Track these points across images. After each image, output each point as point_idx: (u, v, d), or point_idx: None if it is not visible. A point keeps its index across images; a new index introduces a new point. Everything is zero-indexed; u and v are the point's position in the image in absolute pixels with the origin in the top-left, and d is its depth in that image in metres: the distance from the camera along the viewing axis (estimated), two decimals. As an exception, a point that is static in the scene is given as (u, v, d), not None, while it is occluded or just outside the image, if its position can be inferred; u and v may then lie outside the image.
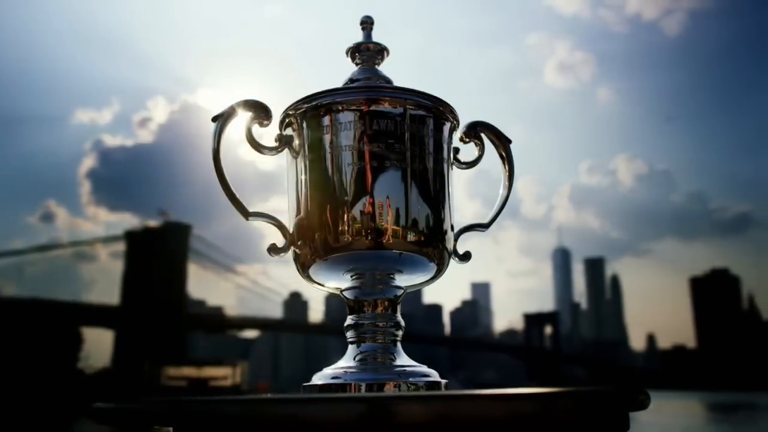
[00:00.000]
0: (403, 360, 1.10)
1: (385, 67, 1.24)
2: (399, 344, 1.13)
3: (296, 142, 1.14)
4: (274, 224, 1.14)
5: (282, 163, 1.20)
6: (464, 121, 1.22)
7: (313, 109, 1.11)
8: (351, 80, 1.20)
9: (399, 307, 1.15)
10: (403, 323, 1.14)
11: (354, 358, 1.10)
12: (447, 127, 1.17)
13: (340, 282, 1.14)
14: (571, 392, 0.79)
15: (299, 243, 1.12)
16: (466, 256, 1.20)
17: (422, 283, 1.16)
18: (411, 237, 1.08)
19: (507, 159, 1.23)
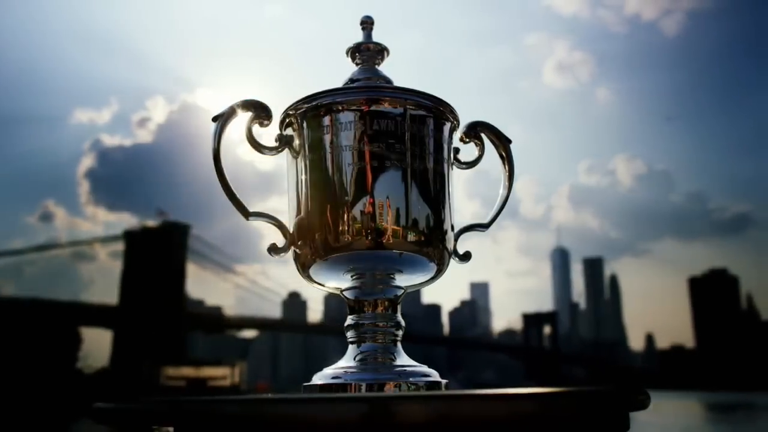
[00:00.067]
0: (403, 360, 1.10)
1: (385, 67, 1.24)
2: (399, 344, 1.13)
3: (296, 142, 1.14)
4: (274, 224, 1.14)
5: (282, 163, 1.20)
6: (464, 121, 1.22)
7: (314, 109, 1.11)
8: (351, 80, 1.20)
9: (399, 307, 1.15)
10: (403, 323, 1.14)
11: (354, 358, 1.10)
12: (447, 127, 1.17)
13: (340, 282, 1.14)
14: (572, 392, 0.79)
15: (299, 243, 1.12)
16: (466, 256, 1.20)
17: (422, 283, 1.16)
18: (411, 237, 1.08)
19: (507, 159, 1.23)
